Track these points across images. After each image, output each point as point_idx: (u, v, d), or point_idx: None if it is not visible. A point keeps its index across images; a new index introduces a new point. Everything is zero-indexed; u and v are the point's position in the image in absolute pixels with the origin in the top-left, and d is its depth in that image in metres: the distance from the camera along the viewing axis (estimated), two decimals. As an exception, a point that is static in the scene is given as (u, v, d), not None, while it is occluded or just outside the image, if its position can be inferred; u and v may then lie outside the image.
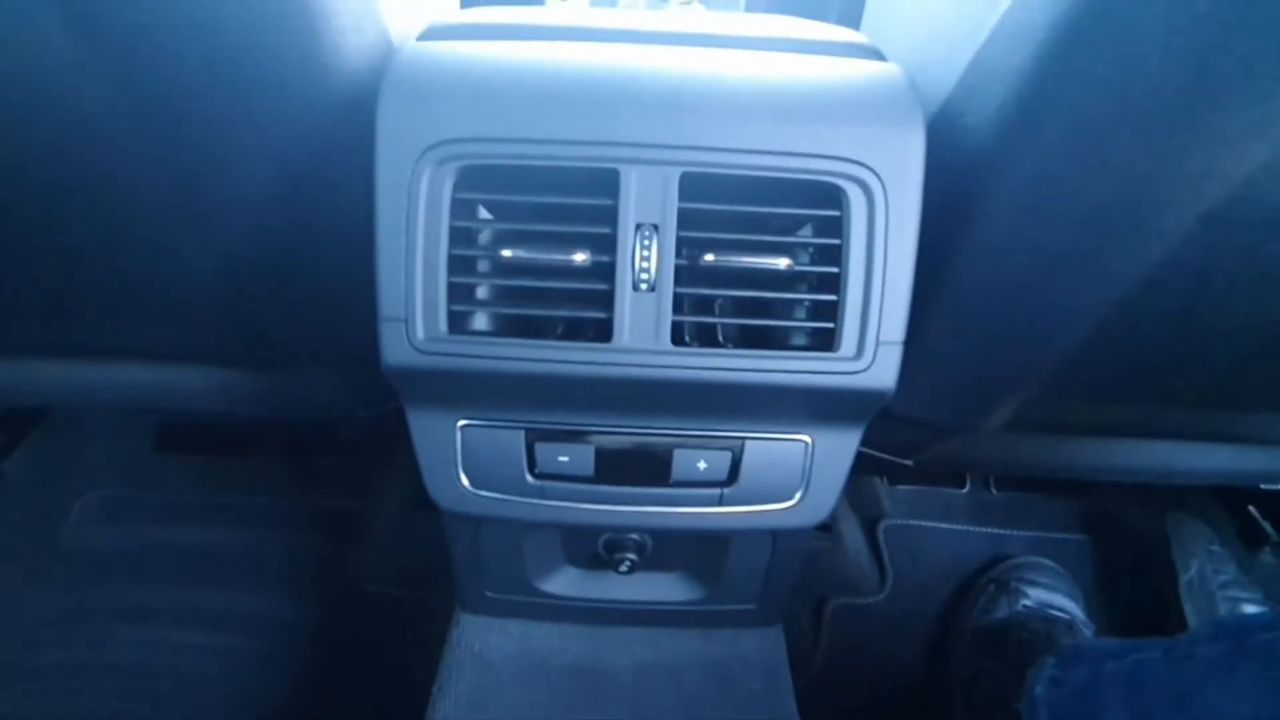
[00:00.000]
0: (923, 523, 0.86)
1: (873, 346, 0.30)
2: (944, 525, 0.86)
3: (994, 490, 0.89)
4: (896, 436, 0.54)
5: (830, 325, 0.30)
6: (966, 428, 0.49)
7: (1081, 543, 0.85)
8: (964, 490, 0.90)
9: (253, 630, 0.73)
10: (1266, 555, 0.80)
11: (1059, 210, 0.33)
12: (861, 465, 0.89)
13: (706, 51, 0.32)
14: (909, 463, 0.60)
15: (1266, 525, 0.81)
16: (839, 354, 0.30)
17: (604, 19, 0.35)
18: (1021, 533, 0.85)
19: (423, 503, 0.79)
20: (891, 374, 0.30)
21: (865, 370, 0.30)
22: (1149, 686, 0.47)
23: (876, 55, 0.34)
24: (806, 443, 0.35)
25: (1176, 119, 0.28)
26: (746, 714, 0.44)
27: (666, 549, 0.45)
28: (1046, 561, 0.81)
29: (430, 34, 0.33)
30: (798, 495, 0.35)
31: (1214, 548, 0.81)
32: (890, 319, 0.30)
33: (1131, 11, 0.24)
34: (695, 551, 0.45)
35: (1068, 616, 0.75)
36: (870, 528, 0.85)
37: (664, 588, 0.46)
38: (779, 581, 0.46)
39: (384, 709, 0.65)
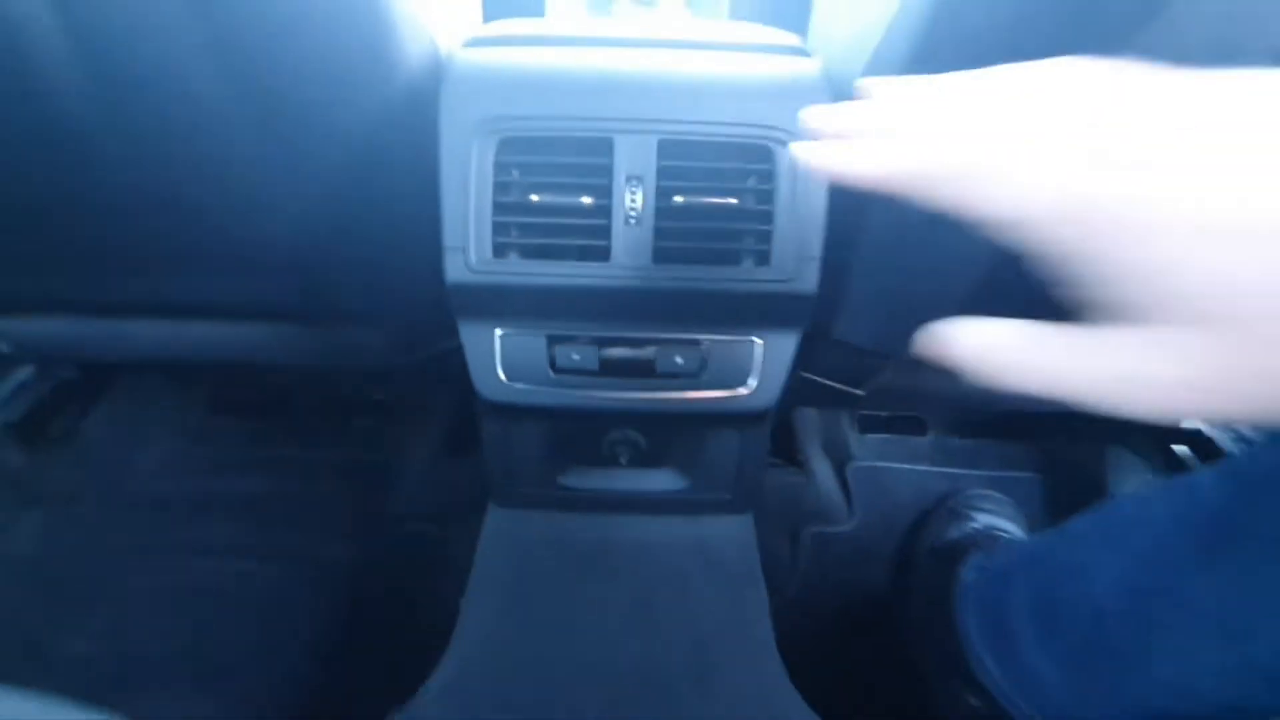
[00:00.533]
0: (887, 464, 0.97)
1: (798, 259, 0.42)
2: (906, 466, 0.97)
3: (953, 439, 1.00)
4: (846, 365, 0.66)
5: (766, 247, 0.42)
6: (900, 351, 0.61)
7: (1032, 479, 0.95)
8: (926, 438, 1.00)
9: (299, 562, 0.83)
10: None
11: None
12: (832, 416, 1.00)
13: (677, 52, 0.44)
14: (861, 392, 0.71)
15: (1187, 456, 0.92)
16: (773, 265, 0.42)
17: (601, 29, 0.47)
18: (977, 472, 0.95)
19: (448, 451, 0.91)
20: (812, 280, 0.42)
21: (792, 279, 0.42)
22: (1046, 562, 0.59)
23: (803, 53, 0.46)
24: (756, 343, 0.47)
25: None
26: (721, 576, 0.56)
27: (657, 448, 0.56)
28: (994, 493, 0.92)
29: (473, 43, 0.45)
30: (752, 383, 0.47)
31: (1146, 478, 0.92)
32: (809, 241, 0.42)
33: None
34: (680, 450, 0.57)
35: (1010, 535, 0.86)
36: (840, 469, 0.96)
37: (656, 480, 0.58)
38: (748, 475, 0.58)
39: (416, 616, 0.76)
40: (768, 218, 0.41)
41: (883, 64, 0.43)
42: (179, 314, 0.65)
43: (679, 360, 0.46)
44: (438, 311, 0.48)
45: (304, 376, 0.96)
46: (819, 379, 0.69)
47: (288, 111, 0.43)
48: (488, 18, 0.58)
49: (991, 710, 0.58)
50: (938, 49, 0.39)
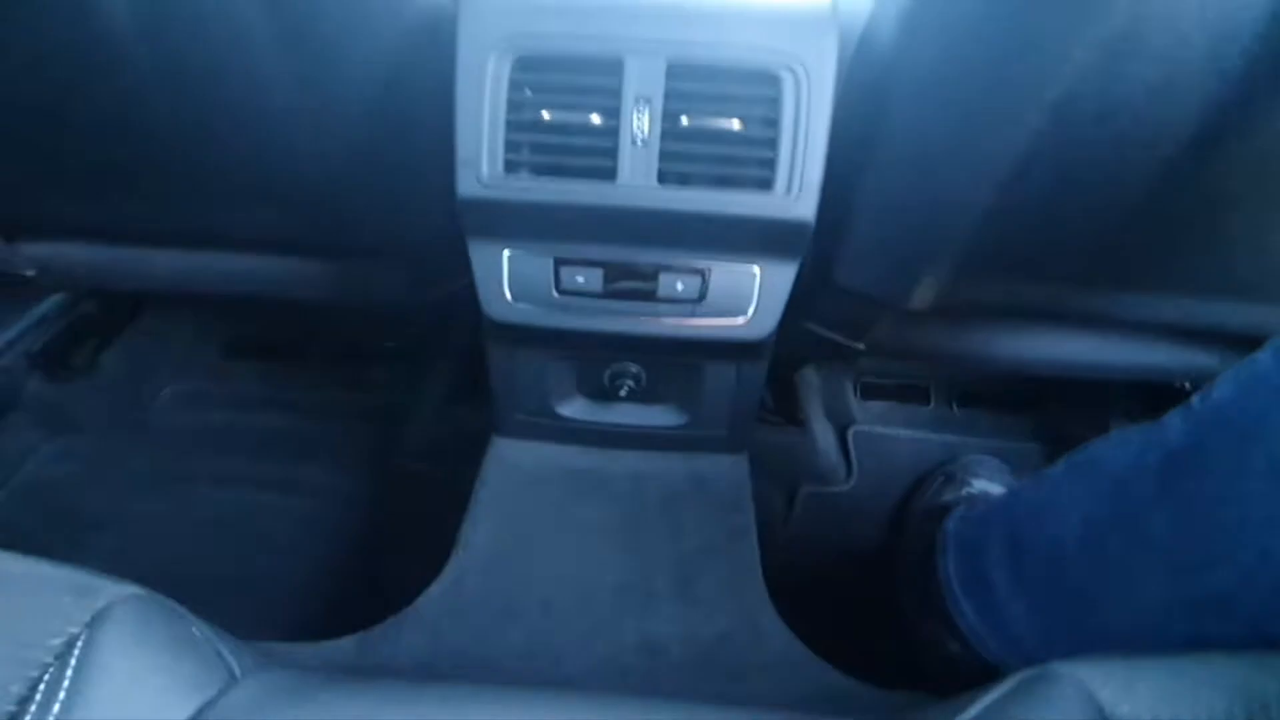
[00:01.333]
0: (888, 430, 0.98)
1: (798, 187, 0.43)
2: (906, 433, 0.98)
3: (955, 408, 1.01)
4: (845, 315, 0.67)
5: (769, 173, 0.43)
6: (898, 300, 0.62)
7: (1033, 449, 0.95)
8: (928, 406, 1.01)
9: (312, 495, 0.86)
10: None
11: (942, 105, 0.45)
12: (835, 381, 1.01)
13: None
14: (860, 345, 0.73)
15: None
16: (774, 192, 0.43)
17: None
18: (977, 440, 0.95)
19: (460, 395, 0.93)
20: (811, 207, 0.44)
21: (793, 204, 0.43)
22: (1018, 506, 0.60)
23: None
24: (755, 272, 0.48)
25: (1017, 23, 0.40)
26: (711, 504, 0.58)
27: (656, 383, 0.58)
28: (991, 459, 0.93)
29: None
30: (750, 311, 0.49)
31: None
32: (810, 168, 0.43)
33: None
34: (677, 386, 0.58)
35: (1016, 484, 0.87)
36: (841, 432, 0.98)
37: (654, 415, 0.60)
38: (743, 412, 0.59)
39: (421, 541, 0.79)
40: (771, 144, 0.43)
41: (885, 6, 0.44)
42: (201, 244, 0.67)
43: (680, 286, 0.48)
44: (453, 246, 0.49)
45: (320, 319, 0.99)
46: (820, 330, 0.70)
47: (312, 35, 0.44)
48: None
49: (969, 655, 0.59)
50: None
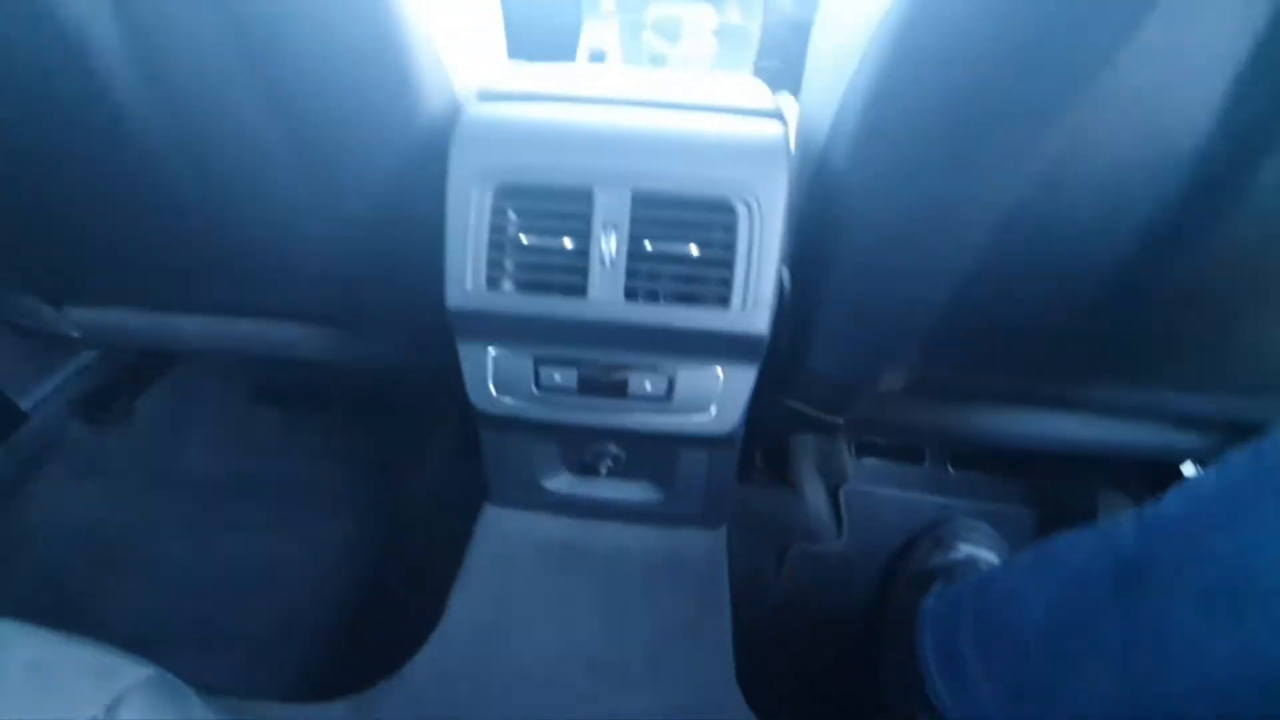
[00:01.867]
0: (880, 489, 1.00)
1: (752, 303, 0.47)
2: (899, 493, 1.00)
3: (950, 469, 1.02)
4: (820, 394, 0.70)
5: (725, 291, 0.47)
6: (867, 385, 0.65)
7: (1024, 514, 0.97)
8: (922, 466, 1.02)
9: (323, 545, 0.91)
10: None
11: (894, 218, 0.49)
12: (829, 438, 1.04)
13: (660, 112, 0.50)
14: (839, 420, 0.76)
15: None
16: (731, 308, 0.47)
17: (597, 86, 0.53)
18: (969, 503, 0.97)
19: (461, 455, 0.97)
20: (764, 321, 0.48)
21: (748, 319, 0.47)
22: (990, 590, 0.62)
23: (773, 116, 0.51)
24: (718, 374, 0.52)
25: (957, 152, 0.44)
26: (687, 581, 0.61)
27: (634, 462, 0.62)
28: (982, 524, 0.94)
29: (483, 96, 0.52)
30: (714, 409, 0.53)
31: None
32: (763, 286, 0.47)
33: (933, 66, 0.40)
34: (654, 465, 0.62)
35: (989, 567, 0.89)
36: (833, 490, 1.00)
37: (633, 491, 0.64)
38: (717, 492, 0.63)
39: (416, 600, 0.83)
40: (728, 265, 0.47)
41: (839, 134, 0.48)
42: (225, 312, 0.74)
43: (648, 385, 0.52)
44: (449, 324, 0.54)
45: (337, 373, 1.05)
46: (799, 406, 0.74)
47: (324, 151, 0.50)
48: (513, 53, 0.65)
49: None
50: (882, 124, 0.44)
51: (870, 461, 1.02)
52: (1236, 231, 0.43)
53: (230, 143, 0.50)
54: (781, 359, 0.62)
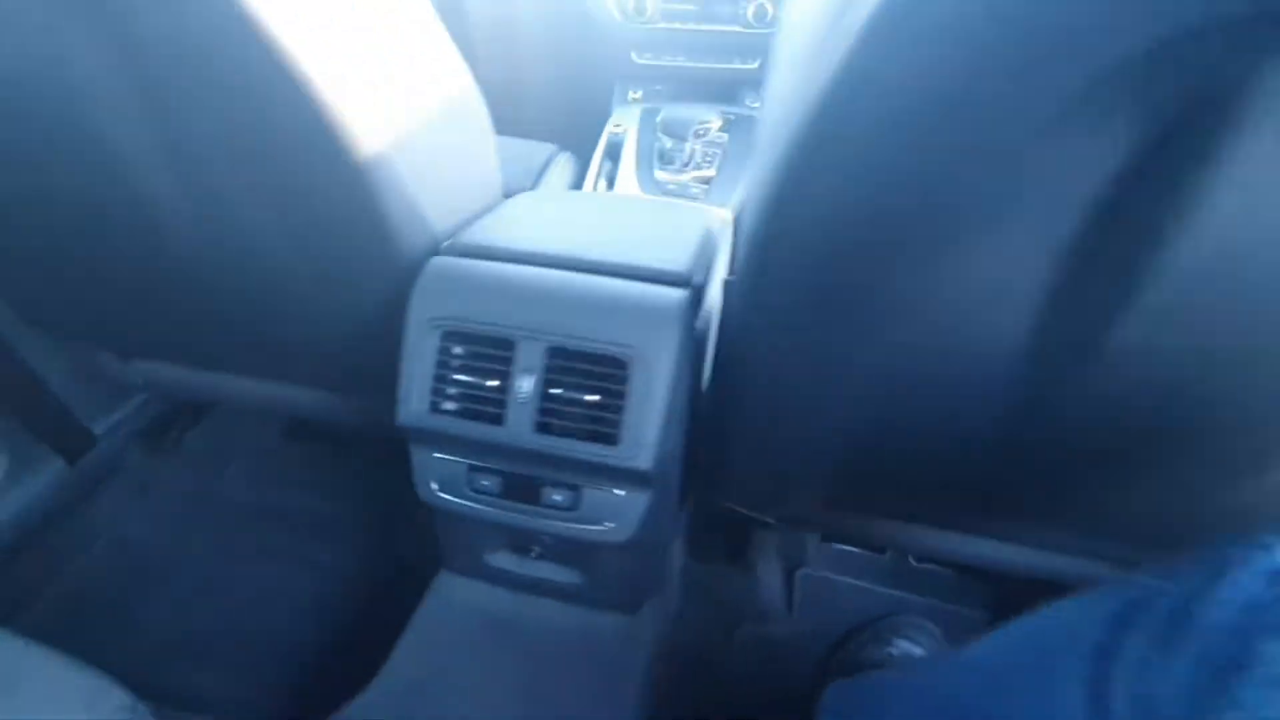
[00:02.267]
0: (838, 576, 1.03)
1: (638, 445, 0.57)
2: (854, 582, 1.03)
3: (911, 561, 1.04)
4: (745, 498, 0.78)
5: (615, 432, 0.57)
6: (776, 510, 0.73)
7: (977, 616, 0.98)
8: (885, 555, 1.04)
9: (330, 580, 1.03)
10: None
11: (777, 361, 0.57)
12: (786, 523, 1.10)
13: (582, 277, 0.60)
14: (770, 519, 0.83)
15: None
16: (620, 446, 0.57)
17: (544, 245, 0.64)
18: (921, 598, 0.99)
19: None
20: (649, 460, 0.57)
21: (634, 457, 0.57)
22: (884, 687, 0.68)
23: (680, 281, 0.60)
24: (618, 493, 0.62)
25: (809, 339, 0.52)
26: (601, 664, 0.70)
27: (562, 549, 0.72)
28: (927, 623, 0.96)
29: (445, 251, 0.64)
30: (613, 522, 0.62)
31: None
32: (649, 430, 0.56)
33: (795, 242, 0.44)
34: (577, 554, 0.72)
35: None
36: (789, 573, 1.05)
37: (561, 573, 0.73)
38: (633, 585, 0.72)
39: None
40: (618, 412, 0.57)
41: (731, 292, 0.58)
42: (258, 375, 0.88)
43: (558, 497, 0.62)
44: None
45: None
46: (732, 505, 0.82)
47: (332, 275, 0.63)
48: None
49: None
50: (761, 272, 0.52)
51: (834, 547, 1.05)
52: (1086, 395, 0.47)
53: (255, 263, 0.63)
54: (705, 465, 0.70)
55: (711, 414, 0.66)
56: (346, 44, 0.51)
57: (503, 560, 0.74)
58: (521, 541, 0.71)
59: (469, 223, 0.69)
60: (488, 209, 0.74)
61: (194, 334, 0.80)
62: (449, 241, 0.65)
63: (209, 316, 0.73)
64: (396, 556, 1.02)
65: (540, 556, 0.72)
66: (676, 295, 0.58)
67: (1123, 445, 0.51)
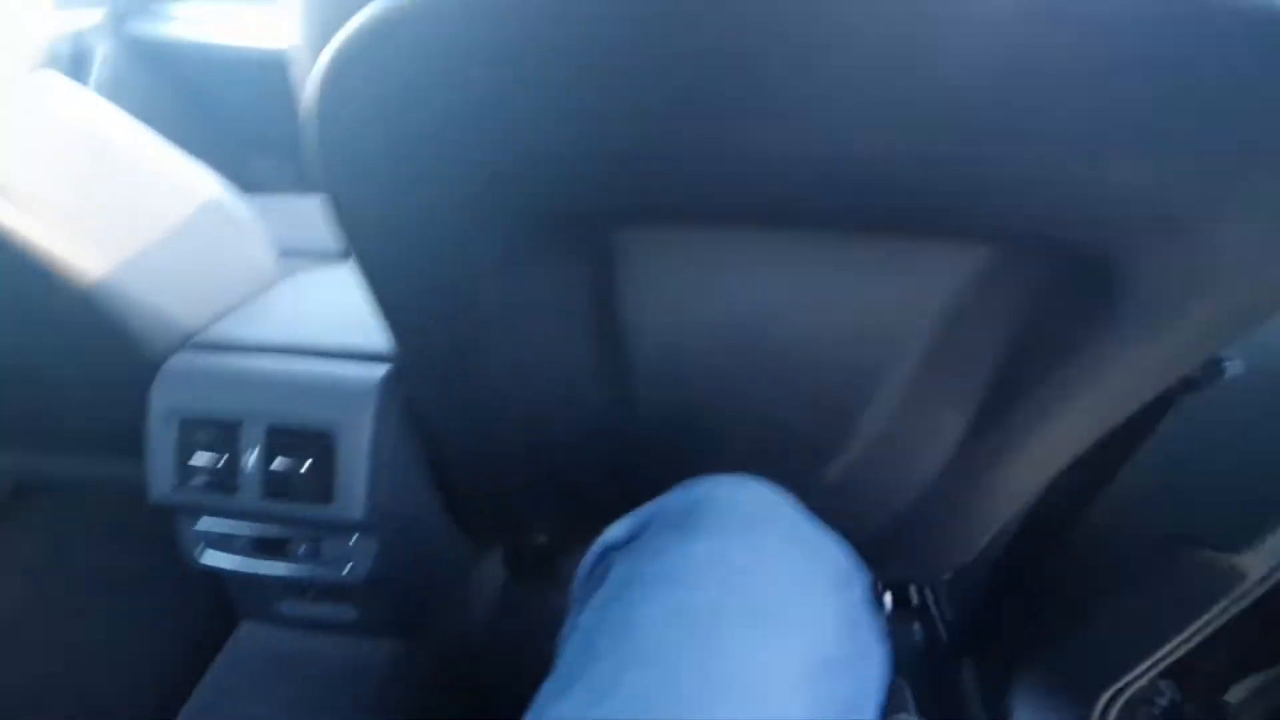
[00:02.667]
0: None
1: (350, 499, 0.68)
2: None
3: None
4: (503, 526, 0.91)
5: (330, 489, 0.68)
6: (532, 536, 0.86)
7: None
8: None
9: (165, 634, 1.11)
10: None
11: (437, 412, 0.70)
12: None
13: (294, 359, 0.72)
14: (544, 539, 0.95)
15: None
16: (334, 504, 0.69)
17: (269, 332, 0.75)
18: None
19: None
20: (359, 511, 0.68)
21: (347, 511, 0.68)
22: None
23: (383, 357, 0.72)
24: (349, 541, 0.73)
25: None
26: (379, 689, 0.81)
27: (328, 588, 0.83)
28: None
29: (189, 347, 0.74)
30: (350, 564, 0.74)
31: None
32: (356, 488, 0.68)
33: None
34: (343, 592, 0.83)
35: None
36: None
37: (339, 610, 0.84)
38: (405, 612, 0.84)
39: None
40: (330, 474, 0.68)
41: None
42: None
43: (301, 549, 0.73)
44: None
45: None
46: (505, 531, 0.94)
47: (84, 376, 0.73)
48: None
49: None
50: None
51: None
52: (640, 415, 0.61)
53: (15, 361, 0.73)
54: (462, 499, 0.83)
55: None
56: (56, 190, 0.61)
57: (286, 605, 0.85)
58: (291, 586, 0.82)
59: (226, 312, 0.80)
60: (255, 292, 0.85)
61: None
62: (195, 338, 0.75)
63: None
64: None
65: (315, 598, 0.82)
66: (377, 371, 0.70)
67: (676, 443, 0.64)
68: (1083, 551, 0.73)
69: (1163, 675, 0.86)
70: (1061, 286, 0.41)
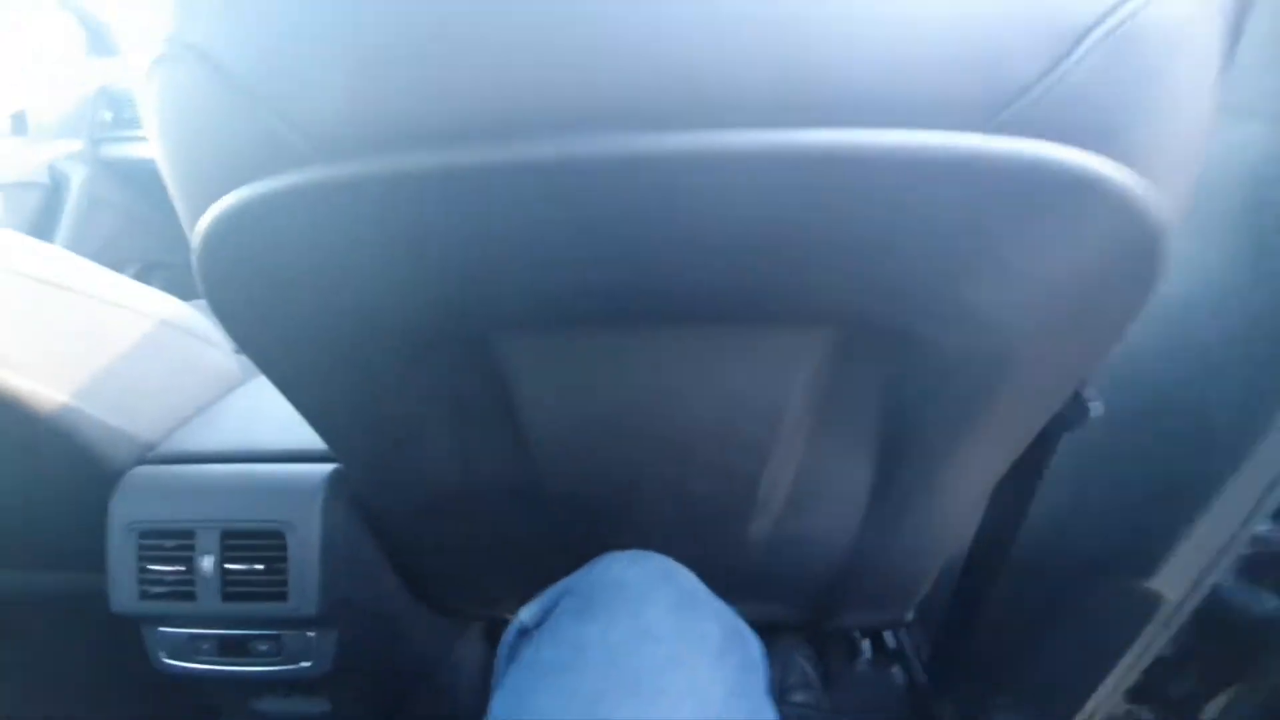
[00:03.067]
0: None
1: (304, 596, 0.71)
2: None
3: None
4: (478, 603, 0.93)
5: (284, 589, 0.71)
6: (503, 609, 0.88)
7: None
8: None
9: None
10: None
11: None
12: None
13: (245, 466, 0.75)
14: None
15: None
16: (289, 601, 0.71)
17: (223, 439, 0.79)
18: None
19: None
20: (313, 607, 0.71)
21: (300, 607, 0.71)
22: None
23: (330, 457, 0.76)
24: (309, 634, 0.75)
25: None
26: None
27: (298, 683, 0.84)
28: None
29: (147, 459, 0.78)
30: (310, 659, 0.76)
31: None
32: (309, 587, 0.71)
33: None
34: (313, 686, 0.84)
35: None
36: None
37: (311, 703, 0.86)
38: (379, 700, 0.85)
39: None
40: (284, 574, 0.71)
41: None
42: None
43: (263, 648, 0.75)
44: None
45: None
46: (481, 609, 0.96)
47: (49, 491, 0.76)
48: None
49: None
50: None
51: None
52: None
53: None
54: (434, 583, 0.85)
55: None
56: (18, 332, 0.66)
57: (262, 703, 0.86)
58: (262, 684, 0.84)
59: (184, 421, 0.84)
60: (217, 395, 0.89)
61: None
62: (153, 451, 0.79)
63: None
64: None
65: (287, 694, 0.84)
66: (324, 470, 0.74)
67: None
68: (1019, 587, 0.74)
69: (1134, 700, 0.87)
70: (904, 356, 0.45)
